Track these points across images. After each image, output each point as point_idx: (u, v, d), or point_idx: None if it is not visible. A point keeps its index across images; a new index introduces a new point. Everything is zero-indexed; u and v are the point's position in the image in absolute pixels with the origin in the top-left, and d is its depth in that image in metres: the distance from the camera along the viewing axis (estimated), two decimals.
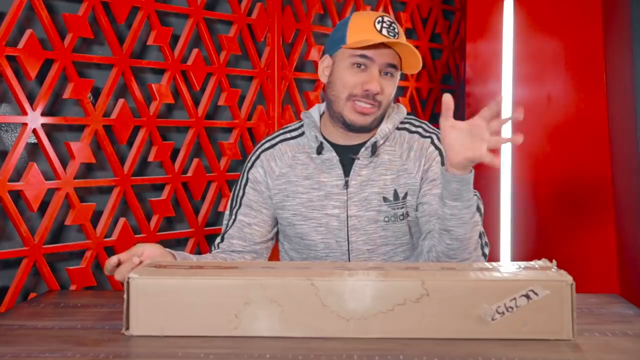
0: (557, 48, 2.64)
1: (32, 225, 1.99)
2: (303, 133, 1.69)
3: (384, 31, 1.56)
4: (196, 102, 2.38)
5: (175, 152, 2.32)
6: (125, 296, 1.18)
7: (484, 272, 1.22)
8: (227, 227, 1.68)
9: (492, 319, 1.16)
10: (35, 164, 1.96)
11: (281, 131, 1.73)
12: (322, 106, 1.70)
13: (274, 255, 1.84)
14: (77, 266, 2.06)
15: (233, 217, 1.67)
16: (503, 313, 1.16)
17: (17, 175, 1.95)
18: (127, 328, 1.19)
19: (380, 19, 1.57)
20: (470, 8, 2.97)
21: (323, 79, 1.65)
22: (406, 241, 1.64)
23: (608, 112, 2.49)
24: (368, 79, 1.56)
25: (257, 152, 1.71)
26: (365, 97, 1.57)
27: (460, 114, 3.28)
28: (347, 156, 1.63)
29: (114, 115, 2.14)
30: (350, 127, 1.61)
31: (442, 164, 1.61)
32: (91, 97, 2.12)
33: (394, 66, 1.59)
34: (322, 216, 1.63)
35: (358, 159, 1.62)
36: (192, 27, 2.33)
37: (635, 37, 2.63)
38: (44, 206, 1.98)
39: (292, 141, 1.69)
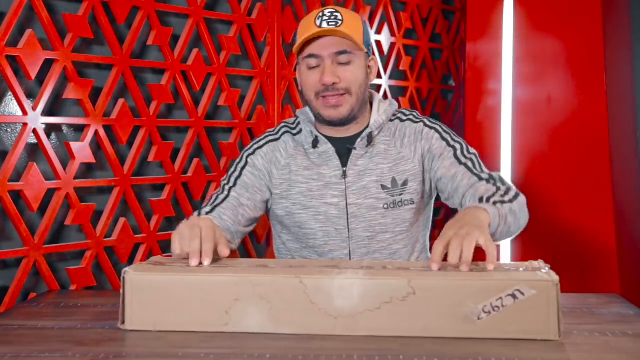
0: (557, 48, 2.64)
1: (32, 225, 1.99)
2: (301, 130, 1.73)
3: (323, 24, 1.57)
4: (196, 102, 2.38)
5: (175, 152, 2.32)
6: (121, 291, 1.20)
7: (471, 272, 1.22)
8: (217, 199, 1.66)
9: (479, 318, 1.16)
10: (35, 164, 1.96)
11: (283, 124, 1.78)
12: None
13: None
14: (77, 266, 2.06)
15: (226, 192, 1.67)
16: (489, 312, 1.16)
17: (17, 175, 1.95)
18: (123, 322, 1.21)
19: (321, 13, 1.59)
20: (470, 8, 2.97)
21: (299, 87, 1.71)
22: (405, 229, 1.68)
23: (608, 112, 2.49)
24: (322, 74, 1.59)
25: (262, 142, 1.75)
26: (326, 90, 1.60)
27: (460, 114, 3.30)
28: (343, 147, 1.67)
29: (114, 115, 2.14)
30: (332, 124, 1.66)
31: (443, 139, 1.67)
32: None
33: (343, 52, 1.60)
34: (321, 205, 1.66)
35: (355, 149, 1.66)
36: (192, 27, 2.33)
37: (635, 37, 2.63)
38: (44, 206, 1.98)
39: (294, 136, 1.74)
